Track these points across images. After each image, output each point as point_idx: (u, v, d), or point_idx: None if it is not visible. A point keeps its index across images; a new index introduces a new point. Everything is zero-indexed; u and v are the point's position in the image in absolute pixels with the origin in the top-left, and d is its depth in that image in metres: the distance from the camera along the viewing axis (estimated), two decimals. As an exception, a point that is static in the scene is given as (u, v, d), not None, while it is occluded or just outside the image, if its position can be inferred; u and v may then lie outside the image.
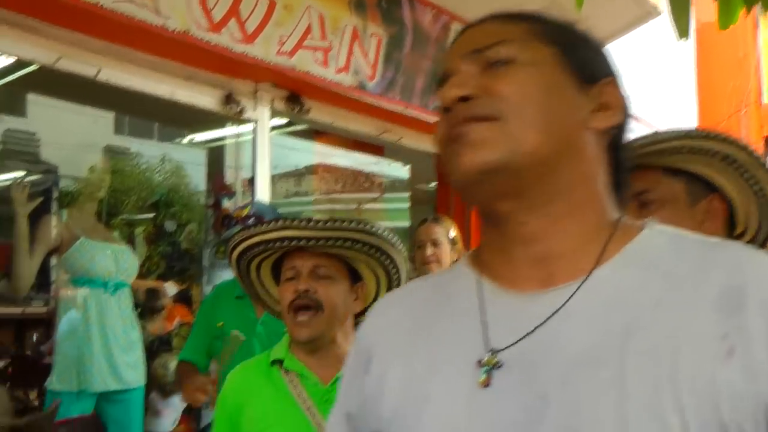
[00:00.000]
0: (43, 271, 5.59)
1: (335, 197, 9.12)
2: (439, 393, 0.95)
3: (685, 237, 0.97)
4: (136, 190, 10.89)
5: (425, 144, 5.74)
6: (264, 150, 4.63)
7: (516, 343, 0.92)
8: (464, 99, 0.94)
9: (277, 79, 4.44)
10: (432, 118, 5.22)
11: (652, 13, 5.90)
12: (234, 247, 2.23)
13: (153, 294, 6.61)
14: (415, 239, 3.72)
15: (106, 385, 4.09)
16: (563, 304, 0.91)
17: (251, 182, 4.62)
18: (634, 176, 1.53)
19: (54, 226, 4.22)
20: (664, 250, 0.94)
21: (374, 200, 9.12)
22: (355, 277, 2.19)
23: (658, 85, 6.54)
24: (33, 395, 5.58)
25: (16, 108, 13.50)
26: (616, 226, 0.97)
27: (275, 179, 5.03)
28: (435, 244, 3.68)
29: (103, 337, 4.10)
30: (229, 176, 5.24)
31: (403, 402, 0.99)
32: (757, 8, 2.44)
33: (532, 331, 0.91)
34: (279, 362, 2.15)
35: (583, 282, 0.92)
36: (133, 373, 4.25)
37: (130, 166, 11.91)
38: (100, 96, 5.51)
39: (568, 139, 0.95)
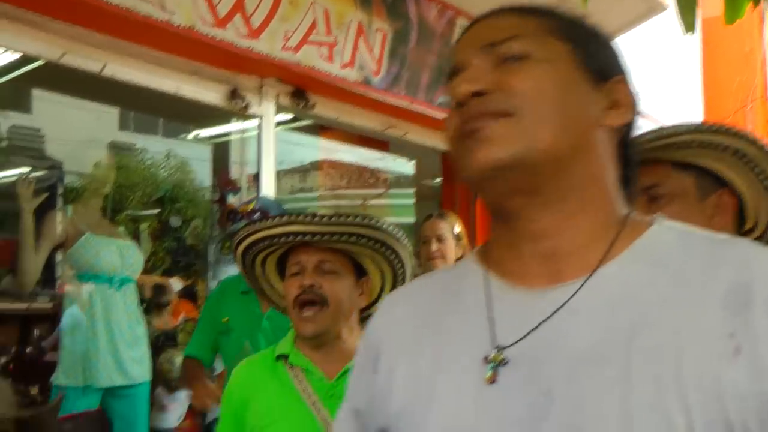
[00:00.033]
0: (49, 267, 5.60)
1: (340, 193, 9.12)
2: (446, 389, 0.95)
3: (694, 233, 0.96)
4: (141, 186, 10.88)
5: (430, 139, 5.74)
6: (269, 145, 4.62)
7: (522, 339, 0.91)
8: (477, 94, 0.93)
9: (282, 74, 4.44)
10: (437, 114, 5.22)
11: (657, 8, 5.89)
12: (239, 242, 2.23)
13: (160, 289, 6.62)
14: (420, 235, 3.72)
15: (112, 380, 4.10)
16: (567, 301, 0.91)
17: (256, 178, 4.62)
18: (644, 170, 1.52)
19: (59, 221, 4.23)
20: (673, 246, 0.93)
21: (379, 196, 9.12)
22: (360, 272, 2.19)
23: (664, 80, 6.52)
24: (34, 391, 5.58)
25: (21, 104, 13.49)
26: (625, 222, 0.97)
27: (280, 175, 5.03)
28: (440, 239, 3.68)
29: (108, 332, 4.10)
30: (234, 172, 5.24)
31: (411, 398, 0.99)
32: (764, 3, 2.43)
33: (537, 327, 0.91)
34: (284, 357, 2.15)
35: (587, 279, 0.92)
36: (139, 369, 4.25)
37: (134, 162, 11.91)
38: (104, 91, 5.51)
39: (582, 136, 0.95)
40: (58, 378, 4.07)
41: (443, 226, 3.72)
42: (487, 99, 0.93)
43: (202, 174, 10.39)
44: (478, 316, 0.98)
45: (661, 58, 6.78)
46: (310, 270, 2.09)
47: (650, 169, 1.55)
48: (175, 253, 9.21)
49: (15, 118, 12.92)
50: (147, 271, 6.52)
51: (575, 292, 0.91)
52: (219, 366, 3.95)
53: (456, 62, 1.00)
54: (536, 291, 0.95)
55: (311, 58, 4.39)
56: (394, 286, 2.24)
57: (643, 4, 5.81)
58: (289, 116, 5.19)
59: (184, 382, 4.17)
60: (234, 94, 4.32)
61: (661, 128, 1.54)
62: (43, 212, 4.09)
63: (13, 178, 6.94)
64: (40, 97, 12.65)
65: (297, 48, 4.29)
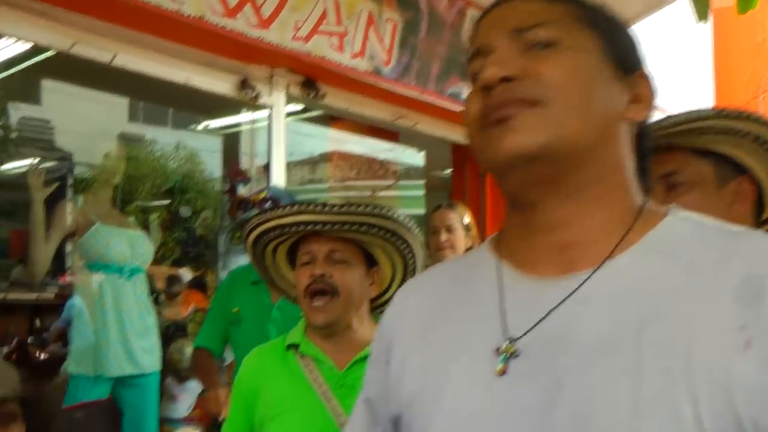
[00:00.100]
0: (59, 257, 5.62)
1: (350, 184, 9.12)
2: (457, 379, 0.95)
3: (708, 225, 0.95)
4: (150, 177, 10.93)
5: (440, 130, 5.73)
6: (279, 136, 4.62)
7: (532, 329, 0.91)
8: (506, 79, 0.92)
9: (293, 64, 4.43)
10: (447, 104, 5.22)
11: (668, -2, 5.87)
12: (250, 231, 2.22)
13: (174, 280, 6.65)
14: (430, 225, 3.71)
15: (122, 369, 4.12)
16: (575, 290, 0.91)
17: (266, 169, 4.61)
18: (662, 157, 1.51)
19: (69, 212, 4.23)
20: (686, 237, 0.93)
21: (389, 187, 9.11)
22: (370, 262, 2.18)
23: (675, 70, 6.49)
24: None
25: (31, 96, 13.55)
26: (640, 213, 0.96)
27: (290, 167, 5.03)
28: (449, 230, 3.67)
29: (119, 322, 4.11)
30: (245, 163, 5.24)
31: (422, 386, 0.99)
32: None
33: (546, 315, 0.91)
34: (295, 347, 2.15)
35: (596, 269, 0.92)
36: (149, 358, 4.26)
37: (144, 153, 11.96)
38: (114, 82, 5.52)
39: (607, 129, 0.95)
40: (69, 366, 4.09)
41: (452, 216, 3.71)
42: (516, 85, 0.92)
43: (212, 165, 10.43)
44: (490, 306, 0.97)
45: (673, 48, 6.74)
46: (321, 259, 2.08)
47: (668, 156, 1.53)
48: (185, 244, 9.25)
49: (25, 109, 12.97)
50: (157, 261, 6.56)
51: (583, 282, 0.91)
52: (229, 356, 3.96)
53: (480, 44, 0.99)
54: (548, 281, 0.94)
55: (321, 48, 4.38)
56: (404, 276, 2.23)
57: (655, -5, 5.79)
58: (299, 107, 5.19)
59: (194, 373, 4.19)
60: (244, 84, 4.31)
61: (680, 114, 1.52)
62: (53, 203, 4.10)
63: (24, 169, 6.96)
64: (49, 88, 12.71)
65: (307, 38, 4.29)
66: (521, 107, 0.91)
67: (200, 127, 8.46)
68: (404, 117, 5.40)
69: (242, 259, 4.47)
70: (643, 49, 1.03)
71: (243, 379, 2.21)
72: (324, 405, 2.04)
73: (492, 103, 0.93)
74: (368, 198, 8.74)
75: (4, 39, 4.18)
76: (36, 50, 4.44)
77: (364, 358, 1.96)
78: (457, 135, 5.82)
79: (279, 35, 4.13)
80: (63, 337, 6.74)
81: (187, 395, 5.42)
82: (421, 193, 8.99)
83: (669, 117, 1.51)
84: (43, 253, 3.97)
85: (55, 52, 3.85)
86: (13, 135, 11.95)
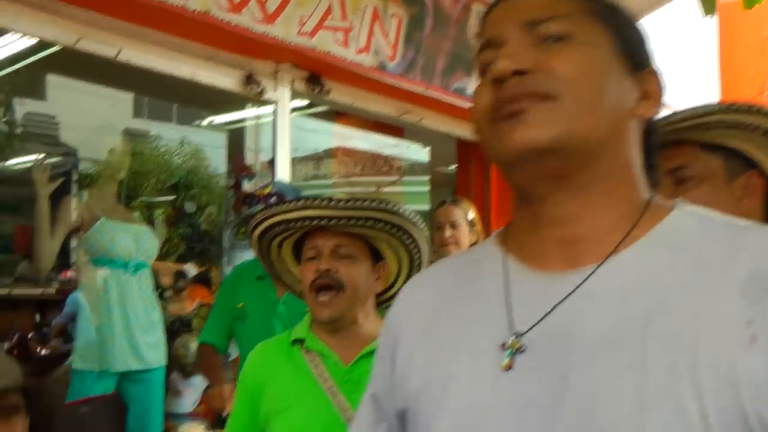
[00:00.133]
0: (64, 253, 5.63)
1: (354, 180, 9.12)
2: (463, 374, 0.95)
3: (715, 219, 0.95)
4: (155, 172, 10.95)
5: (445, 125, 5.72)
6: (284, 131, 4.61)
7: (537, 324, 0.91)
8: (518, 72, 0.92)
9: (298, 59, 4.42)
10: (453, 100, 5.20)
11: (673, -7, 5.85)
12: (255, 226, 2.22)
13: (181, 275, 6.67)
14: (434, 221, 3.70)
15: (128, 365, 4.12)
16: (580, 284, 0.91)
17: (271, 164, 4.61)
18: (670, 152, 1.50)
19: (74, 207, 4.23)
20: (693, 232, 0.92)
21: (393, 183, 9.11)
22: (376, 257, 2.17)
23: (680, 65, 6.48)
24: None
25: (36, 91, 13.57)
26: (647, 207, 0.96)
27: (294, 162, 5.02)
28: (453, 225, 3.66)
29: (124, 317, 4.12)
30: (249, 159, 5.23)
31: (428, 382, 0.99)
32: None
33: (551, 310, 0.91)
34: (300, 342, 2.15)
35: (600, 264, 0.91)
36: (154, 353, 4.27)
37: (149, 149, 11.97)
38: (119, 77, 5.52)
39: (618, 125, 0.95)
40: (75, 362, 4.10)
41: (457, 212, 3.70)
42: (529, 79, 0.91)
43: (217, 161, 10.45)
44: (496, 301, 0.97)
45: (678, 43, 6.73)
46: (326, 254, 2.08)
47: (677, 150, 1.53)
48: (190, 239, 9.27)
49: (30, 105, 13.00)
50: (161, 257, 6.57)
51: (587, 277, 0.91)
52: (234, 352, 3.96)
53: (490, 35, 0.99)
54: (555, 275, 0.94)
55: (326, 43, 4.37)
56: (410, 271, 2.23)
57: (660, -10, 5.78)
58: (303, 103, 5.18)
59: (199, 369, 4.20)
60: (249, 80, 4.31)
61: (688, 109, 1.52)
62: (58, 198, 4.11)
63: (29, 165, 6.97)
64: (54, 84, 12.73)
65: (312, 33, 4.28)
66: (534, 101, 0.90)
67: (205, 122, 8.46)
68: (409, 112, 5.39)
69: (247, 255, 4.47)
70: (651, 45, 1.02)
71: (248, 374, 2.21)
72: (329, 400, 2.04)
73: (504, 96, 0.92)
74: (373, 194, 8.73)
75: (9, 34, 4.18)
76: (41, 46, 4.44)
77: (370, 353, 1.96)
78: (462, 130, 5.81)
79: (284, 30, 4.12)
80: (64, 333, 6.77)
81: (192, 390, 5.43)
82: (425, 188, 8.98)
83: (677, 113, 1.51)
84: (48, 248, 3.98)
85: (60, 48, 3.85)
86: (18, 131, 11.96)
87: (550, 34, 0.93)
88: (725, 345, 0.81)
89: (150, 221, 8.83)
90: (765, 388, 0.78)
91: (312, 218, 2.07)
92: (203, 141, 11.64)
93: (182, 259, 8.60)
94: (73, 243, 5.13)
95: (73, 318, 6.84)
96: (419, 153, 8.65)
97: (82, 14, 3.58)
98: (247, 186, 3.47)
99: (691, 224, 0.93)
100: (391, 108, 5.28)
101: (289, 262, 2.31)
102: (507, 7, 0.99)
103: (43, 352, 6.36)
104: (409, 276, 2.20)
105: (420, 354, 1.03)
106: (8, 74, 6.57)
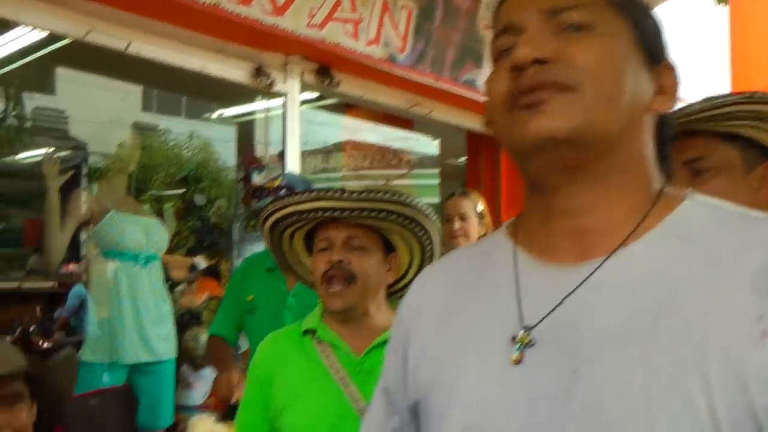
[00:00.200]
0: (74, 246, 5.64)
1: (363, 173, 9.12)
2: (473, 368, 0.95)
3: (727, 209, 0.94)
4: (164, 166, 10.97)
5: (455, 117, 5.71)
6: (294, 124, 4.61)
7: (547, 316, 0.91)
8: (539, 61, 0.91)
9: (307, 51, 4.42)
10: (463, 92, 5.20)
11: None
12: (267, 218, 2.21)
13: (193, 269, 6.69)
14: (443, 213, 3.69)
15: (138, 357, 4.13)
16: (587, 277, 0.90)
17: (281, 157, 4.61)
18: (686, 143, 1.50)
19: (84, 201, 4.24)
20: (704, 222, 0.91)
21: (403, 176, 9.10)
22: (388, 248, 2.17)
23: (691, 56, 6.45)
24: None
25: (46, 86, 13.59)
26: (658, 198, 0.95)
27: (304, 155, 5.02)
28: (462, 218, 3.66)
29: (134, 309, 4.12)
30: (259, 152, 5.23)
31: (439, 375, 1.00)
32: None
33: (560, 303, 0.91)
34: (311, 332, 2.14)
35: (607, 257, 0.91)
36: (165, 346, 4.28)
37: (158, 143, 11.99)
38: (129, 71, 5.52)
39: (635, 118, 0.94)
40: (85, 354, 4.10)
41: (466, 204, 3.70)
42: (549, 69, 0.90)
43: (226, 154, 10.45)
44: (506, 293, 0.97)
45: (689, 34, 6.70)
46: (338, 246, 2.08)
47: (692, 141, 1.52)
48: (200, 232, 9.27)
49: (39, 99, 13.02)
50: (171, 250, 6.58)
51: (595, 269, 0.90)
52: (244, 344, 3.96)
53: (509, 21, 0.97)
54: (564, 267, 0.94)
55: (336, 35, 4.36)
56: (422, 263, 2.23)
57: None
58: (313, 95, 5.17)
59: (209, 361, 4.20)
60: (259, 72, 4.30)
61: (705, 98, 1.51)
62: (68, 191, 4.11)
63: (38, 159, 6.99)
64: (64, 78, 12.75)
65: (322, 25, 4.27)
66: (554, 92, 0.89)
67: (214, 116, 8.47)
68: (419, 104, 5.39)
69: (256, 247, 4.47)
70: (668, 39, 1.02)
71: (258, 364, 2.20)
72: (341, 391, 2.03)
73: (523, 85, 0.91)
74: (384, 186, 8.73)
75: (19, 27, 4.19)
76: (50, 39, 4.44)
77: (382, 344, 1.96)
78: (472, 122, 5.80)
79: (294, 22, 4.11)
80: (67, 326, 6.79)
81: (202, 383, 5.44)
82: (435, 181, 8.97)
83: (691, 104, 1.50)
84: (58, 241, 3.99)
85: (69, 41, 3.84)
86: (28, 125, 11.98)
87: (570, 23, 0.92)
88: (735, 340, 0.80)
89: (160, 214, 8.86)
90: None
91: (325, 209, 2.07)
92: (212, 134, 11.65)
93: (192, 252, 8.61)
94: (83, 236, 5.14)
95: (76, 311, 6.87)
96: (429, 145, 8.65)
97: (91, 7, 3.58)
98: (257, 179, 3.46)
99: (702, 214, 0.93)
100: (400, 100, 5.27)
101: (301, 253, 2.31)
102: None
103: (46, 345, 6.37)
104: (420, 267, 2.20)
105: (431, 348, 1.03)
106: (18, 68, 6.58)
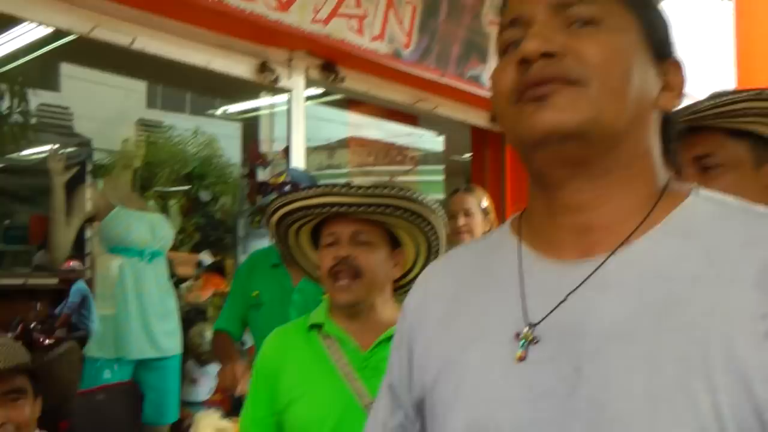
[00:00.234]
0: (79, 242, 5.64)
1: (368, 170, 9.11)
2: (477, 365, 0.96)
3: (732, 205, 0.94)
4: (169, 162, 10.94)
5: (460, 113, 5.70)
6: (299, 119, 4.60)
7: (550, 314, 0.91)
8: (547, 55, 0.90)
9: (312, 47, 4.41)
10: (468, 87, 5.18)
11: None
12: (274, 213, 2.21)
13: (200, 265, 6.70)
14: (447, 209, 3.69)
15: (144, 352, 4.14)
16: (591, 274, 0.90)
17: (286, 152, 4.60)
18: (694, 139, 1.49)
19: (89, 197, 4.25)
20: (709, 218, 0.91)
21: (407, 172, 9.10)
22: (394, 243, 2.17)
23: (696, 52, 6.43)
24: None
25: (50, 82, 13.59)
26: (662, 193, 0.95)
27: (308, 152, 5.02)
28: (467, 214, 3.66)
29: (139, 305, 4.13)
30: (264, 148, 5.23)
31: (444, 372, 1.00)
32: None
33: (564, 299, 0.90)
34: (318, 327, 2.15)
35: (611, 254, 0.90)
36: (170, 341, 4.29)
37: (163, 139, 11.97)
38: (133, 67, 5.52)
39: (641, 114, 0.93)
40: (90, 350, 4.11)
41: (470, 200, 3.70)
42: (557, 63, 0.90)
43: (231, 150, 10.44)
44: (510, 290, 0.97)
45: (694, 30, 6.68)
46: (345, 241, 2.08)
47: (701, 138, 1.52)
48: (205, 229, 9.27)
49: (44, 96, 13.02)
50: (176, 246, 6.59)
51: (599, 266, 0.90)
52: (248, 340, 3.96)
53: (516, 14, 0.97)
54: (568, 264, 0.94)
55: (341, 30, 4.35)
56: (428, 258, 2.22)
57: (677, -24, 5.73)
58: (318, 91, 5.17)
59: (215, 356, 4.20)
60: (263, 67, 4.29)
61: (713, 95, 1.51)
62: (73, 187, 4.12)
63: (43, 156, 6.99)
64: (68, 74, 12.75)
65: (327, 20, 4.26)
66: (561, 86, 0.89)
67: (218, 112, 8.46)
68: (424, 100, 5.37)
69: (262, 244, 4.47)
70: (675, 35, 1.01)
71: (264, 358, 2.21)
72: (347, 386, 2.04)
73: (531, 78, 0.91)
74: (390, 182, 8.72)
75: (24, 24, 4.18)
76: (55, 35, 4.44)
77: (388, 339, 1.95)
78: (477, 118, 5.79)
79: (298, 18, 4.10)
80: (68, 323, 6.78)
81: (208, 379, 5.45)
82: (440, 177, 8.96)
83: (700, 101, 1.49)
84: (64, 238, 4.00)
85: (74, 37, 3.84)
86: (33, 121, 11.99)
87: (578, 17, 0.92)
88: (739, 339, 0.80)
89: (164, 211, 8.85)
90: None
91: (332, 204, 2.07)
92: (217, 131, 11.62)
93: (197, 248, 8.61)
94: (88, 233, 5.15)
95: (77, 308, 6.87)
96: (433, 142, 8.63)
97: (96, 3, 3.58)
98: (262, 175, 3.47)
99: (707, 210, 0.92)
100: (405, 96, 5.26)
101: (307, 248, 2.31)
102: None
103: (47, 342, 6.37)
104: (426, 262, 2.20)
105: (436, 343, 1.03)
106: (23, 65, 6.58)
